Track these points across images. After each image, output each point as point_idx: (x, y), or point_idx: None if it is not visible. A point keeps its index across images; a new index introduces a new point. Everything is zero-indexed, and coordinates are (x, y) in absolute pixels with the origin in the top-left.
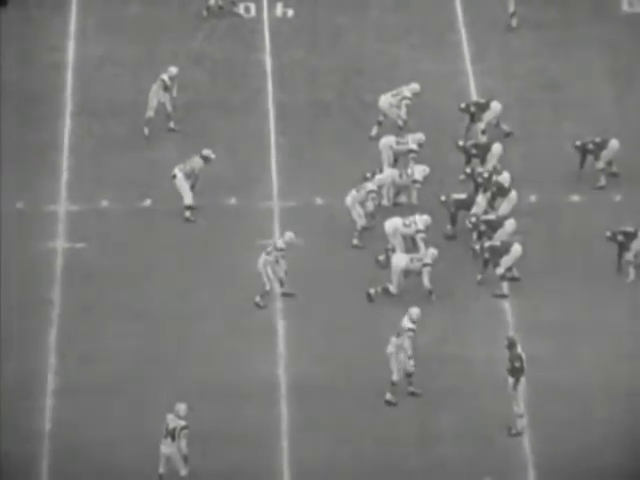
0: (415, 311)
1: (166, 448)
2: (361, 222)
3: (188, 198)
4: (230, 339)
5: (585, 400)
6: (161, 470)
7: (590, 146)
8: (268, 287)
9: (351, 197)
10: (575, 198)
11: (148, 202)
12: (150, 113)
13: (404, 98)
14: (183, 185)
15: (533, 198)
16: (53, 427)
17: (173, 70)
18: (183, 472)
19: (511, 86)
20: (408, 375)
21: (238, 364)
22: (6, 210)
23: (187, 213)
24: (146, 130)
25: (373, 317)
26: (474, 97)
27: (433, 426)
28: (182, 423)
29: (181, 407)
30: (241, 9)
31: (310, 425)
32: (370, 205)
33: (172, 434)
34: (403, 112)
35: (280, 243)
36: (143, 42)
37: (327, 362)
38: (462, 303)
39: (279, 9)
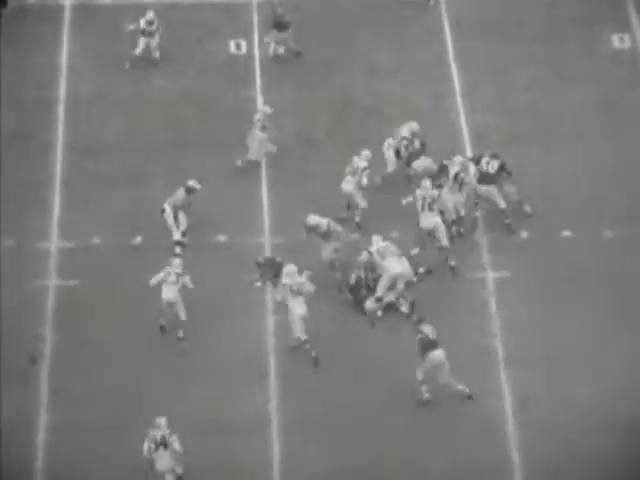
0: None
1: (161, 463)
2: (363, 204)
3: (177, 234)
4: (222, 375)
5: (577, 437)
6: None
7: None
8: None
9: (350, 183)
10: (566, 234)
11: (139, 239)
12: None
13: (403, 139)
14: (171, 220)
15: (524, 234)
16: (45, 464)
17: (268, 109)
18: (179, 470)
19: (502, 121)
20: None
21: (230, 400)
22: None
23: (177, 249)
24: (239, 162)
25: (365, 351)
26: (465, 132)
27: (423, 463)
28: (166, 431)
29: (161, 420)
30: (232, 47)
31: (302, 460)
32: (365, 180)
33: (163, 443)
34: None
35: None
36: (134, 79)
37: (318, 397)
38: (451, 339)
39: (271, 46)
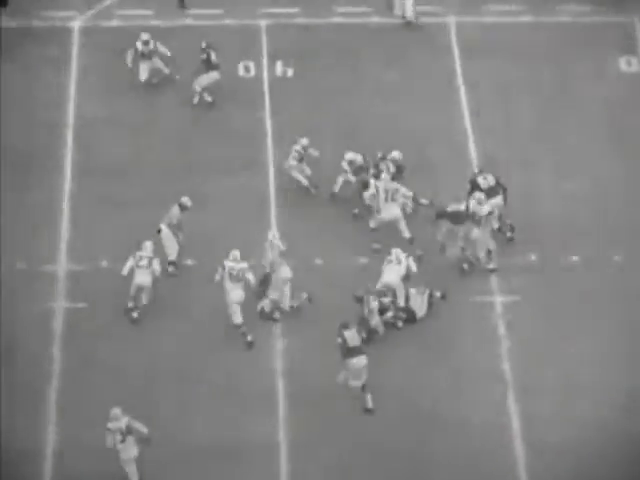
0: None
1: (128, 452)
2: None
3: (173, 254)
4: (229, 399)
5: (585, 459)
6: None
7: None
8: None
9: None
10: (575, 258)
11: (172, 268)
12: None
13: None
14: (169, 239)
15: (533, 257)
16: None
17: (304, 141)
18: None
19: (510, 145)
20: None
21: (238, 424)
22: (6, 270)
23: (170, 268)
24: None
25: (375, 377)
26: (473, 155)
27: None
28: (125, 419)
29: (116, 411)
30: (241, 70)
31: None
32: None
33: (129, 431)
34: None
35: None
36: (143, 101)
37: (326, 421)
38: (460, 362)
39: (279, 68)
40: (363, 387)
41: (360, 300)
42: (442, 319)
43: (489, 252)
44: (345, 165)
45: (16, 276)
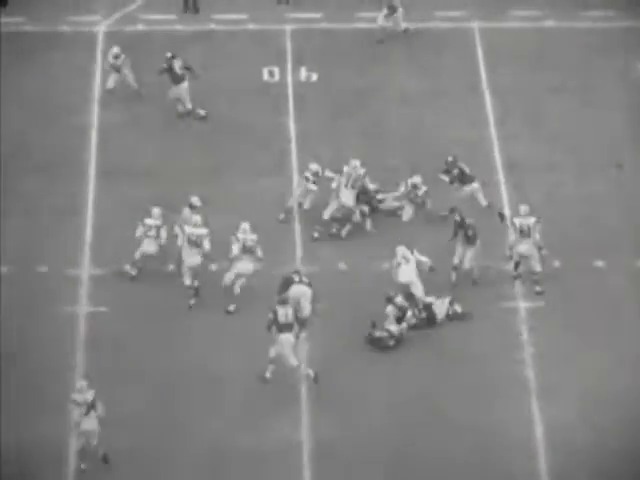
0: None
1: (91, 421)
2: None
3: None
4: (253, 401)
5: (608, 466)
6: (94, 443)
7: None
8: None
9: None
10: (599, 263)
11: (171, 266)
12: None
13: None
14: (181, 240)
15: (556, 263)
16: None
17: (314, 167)
18: (96, 440)
19: (535, 150)
20: None
21: (261, 427)
22: (28, 274)
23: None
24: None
25: (396, 380)
26: (498, 161)
27: None
28: (92, 392)
29: (82, 383)
30: (265, 74)
31: None
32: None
33: (93, 406)
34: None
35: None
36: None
37: (348, 424)
38: (483, 368)
39: (303, 73)
40: (315, 377)
41: (390, 300)
42: (465, 324)
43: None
44: (309, 175)
45: (39, 280)
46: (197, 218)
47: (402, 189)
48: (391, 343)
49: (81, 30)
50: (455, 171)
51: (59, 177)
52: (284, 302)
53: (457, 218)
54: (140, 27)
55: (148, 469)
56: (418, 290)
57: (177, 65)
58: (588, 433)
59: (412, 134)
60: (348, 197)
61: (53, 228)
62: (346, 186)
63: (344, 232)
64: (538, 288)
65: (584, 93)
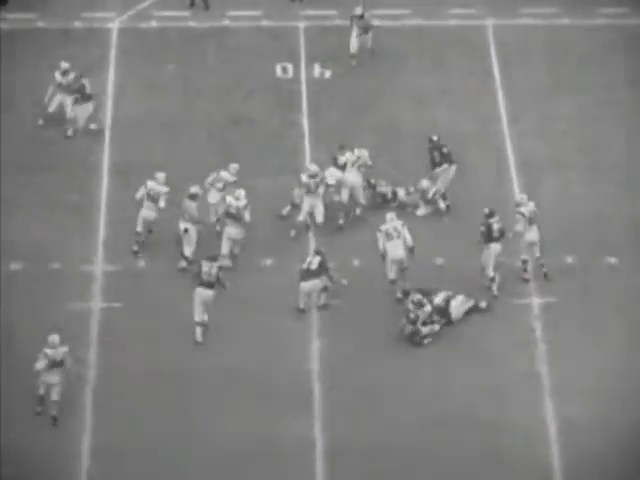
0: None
1: (55, 377)
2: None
3: (189, 250)
4: (266, 399)
5: (621, 464)
6: (42, 392)
7: None
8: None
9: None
10: (612, 260)
11: (184, 263)
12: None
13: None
14: (193, 238)
15: (569, 259)
16: None
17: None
18: (58, 395)
19: (547, 148)
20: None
21: (274, 424)
22: (42, 270)
23: (183, 263)
24: None
25: (411, 377)
26: (511, 159)
27: None
28: (64, 348)
29: (54, 337)
30: (278, 71)
31: None
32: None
33: (61, 363)
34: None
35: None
36: (180, 102)
37: (362, 421)
38: (496, 364)
39: (316, 70)
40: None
41: (407, 295)
42: (478, 320)
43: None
44: (304, 178)
45: (52, 276)
46: (160, 175)
47: (412, 190)
48: (425, 341)
49: (95, 26)
50: (435, 153)
51: (72, 174)
52: (319, 252)
53: (483, 229)
54: (154, 24)
55: (162, 467)
56: (404, 267)
57: (87, 84)
58: (601, 430)
59: (425, 131)
60: (356, 176)
61: (67, 224)
62: (352, 166)
63: (342, 221)
64: (545, 269)
65: (597, 91)
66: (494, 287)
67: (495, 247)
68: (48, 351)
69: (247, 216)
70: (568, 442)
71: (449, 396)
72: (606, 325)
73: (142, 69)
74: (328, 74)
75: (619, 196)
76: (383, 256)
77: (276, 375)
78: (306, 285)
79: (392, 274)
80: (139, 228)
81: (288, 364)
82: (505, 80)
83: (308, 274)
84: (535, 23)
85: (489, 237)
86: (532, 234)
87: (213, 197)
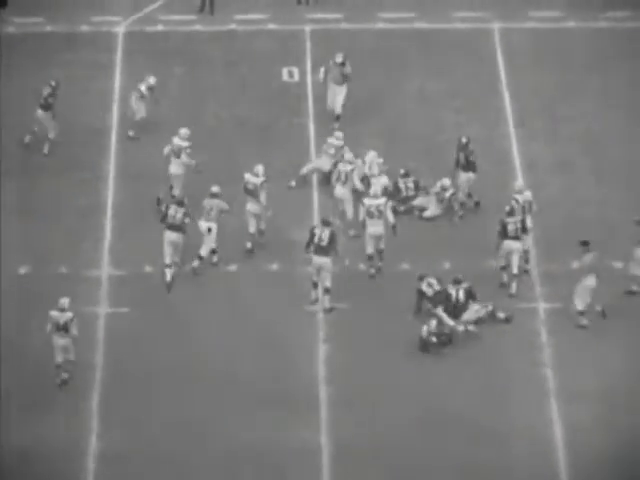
0: None
1: (61, 340)
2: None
3: (206, 250)
4: (272, 403)
5: (627, 468)
6: (59, 360)
7: None
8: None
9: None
10: (617, 264)
11: (197, 262)
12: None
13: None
14: (214, 237)
15: (575, 264)
16: None
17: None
18: (72, 356)
19: (553, 151)
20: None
21: (280, 429)
22: (49, 274)
23: (196, 262)
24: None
25: (416, 382)
26: (517, 161)
27: None
28: (70, 314)
29: (64, 301)
30: (285, 75)
31: None
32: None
33: (65, 327)
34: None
35: None
36: (187, 106)
37: (369, 427)
38: (502, 369)
39: (322, 74)
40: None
41: (422, 279)
42: (484, 325)
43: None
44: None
45: (58, 281)
46: (259, 167)
47: (433, 194)
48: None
49: (101, 30)
50: (461, 155)
51: (79, 178)
52: (327, 223)
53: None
54: (160, 27)
55: (167, 471)
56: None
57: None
58: (606, 433)
59: (431, 134)
60: (382, 178)
61: (73, 229)
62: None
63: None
64: (528, 266)
65: (603, 94)
66: (514, 286)
67: (509, 244)
68: (53, 313)
69: (263, 197)
70: (573, 445)
71: (455, 400)
72: (611, 329)
73: (148, 72)
74: (341, 54)
75: (625, 200)
76: (363, 227)
77: (282, 380)
78: (318, 260)
79: (370, 248)
80: (174, 191)
81: (294, 369)
82: (511, 83)
83: (320, 250)
84: (541, 26)
85: (504, 234)
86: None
87: (174, 168)
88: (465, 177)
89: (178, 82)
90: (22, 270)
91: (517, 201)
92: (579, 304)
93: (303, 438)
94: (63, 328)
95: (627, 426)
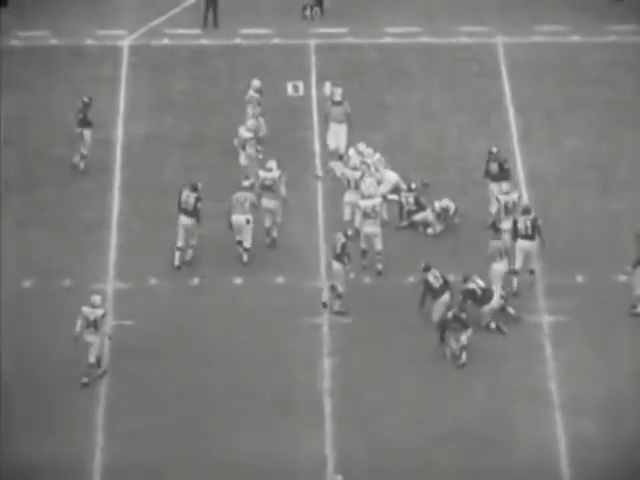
0: None
1: (91, 337)
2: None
3: (249, 241)
4: (277, 417)
5: None
6: (92, 360)
7: None
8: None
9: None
10: (623, 278)
11: (196, 280)
12: None
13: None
14: (251, 228)
15: (580, 278)
16: None
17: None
18: (101, 356)
19: (558, 165)
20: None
21: (285, 442)
22: (54, 287)
23: (245, 257)
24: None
25: (422, 395)
26: (521, 175)
27: None
28: (101, 311)
29: (96, 298)
30: (290, 89)
31: None
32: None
33: (94, 324)
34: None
35: None
36: (192, 119)
37: (374, 440)
38: (506, 381)
39: (327, 88)
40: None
41: (428, 270)
42: (489, 338)
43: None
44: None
45: (64, 294)
46: (272, 163)
47: (430, 212)
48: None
49: (106, 44)
50: (494, 165)
51: (84, 191)
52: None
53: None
54: (165, 41)
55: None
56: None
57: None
58: (612, 447)
59: (435, 149)
60: (392, 175)
61: (78, 242)
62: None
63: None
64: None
65: (608, 108)
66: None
67: (523, 244)
68: (85, 309)
69: (283, 189)
70: (578, 459)
71: (460, 413)
72: (616, 343)
73: (153, 86)
74: (339, 91)
75: (630, 213)
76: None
77: (288, 393)
78: (334, 265)
79: (364, 244)
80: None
81: (300, 382)
82: (516, 97)
83: (335, 256)
84: (546, 41)
85: (515, 234)
86: (506, 223)
87: (242, 160)
88: (496, 187)
89: (183, 96)
90: (26, 283)
91: (499, 201)
92: (497, 290)
93: (308, 451)
94: (93, 325)
95: (631, 440)
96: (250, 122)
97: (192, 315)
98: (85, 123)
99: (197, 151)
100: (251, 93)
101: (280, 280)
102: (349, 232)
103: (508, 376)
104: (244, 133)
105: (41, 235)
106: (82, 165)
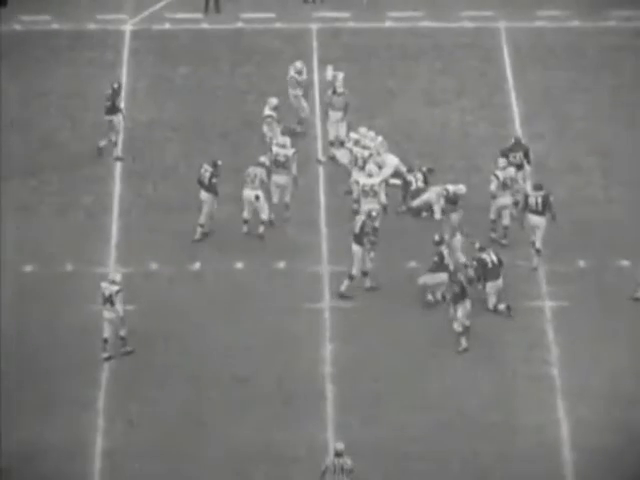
0: None
1: (108, 314)
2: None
3: (266, 213)
4: (278, 402)
5: (634, 466)
6: (106, 335)
7: None
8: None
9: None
10: (625, 263)
11: (197, 265)
12: None
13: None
14: (264, 202)
15: (582, 263)
16: None
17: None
18: (123, 332)
19: (560, 150)
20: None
21: (286, 427)
22: (55, 272)
23: (262, 228)
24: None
25: (423, 381)
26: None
27: None
28: (116, 288)
29: (114, 274)
30: (292, 73)
31: None
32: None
33: (110, 300)
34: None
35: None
36: (193, 105)
37: (375, 425)
38: (508, 367)
39: (329, 72)
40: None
41: (440, 243)
42: (490, 323)
43: None
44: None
45: (65, 278)
46: (285, 139)
47: (434, 193)
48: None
49: (108, 28)
50: (518, 155)
51: (86, 176)
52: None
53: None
54: (167, 26)
55: (174, 470)
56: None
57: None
58: (614, 432)
59: (438, 134)
60: (393, 158)
61: (79, 227)
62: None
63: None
64: (504, 241)
65: (611, 93)
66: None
67: (532, 218)
68: (103, 284)
69: (294, 167)
70: (581, 444)
71: (461, 399)
72: (618, 328)
73: (155, 71)
74: (341, 76)
75: (632, 199)
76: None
77: (288, 379)
78: (353, 247)
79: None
80: (275, 196)
81: (300, 368)
82: (518, 82)
83: (354, 237)
84: (548, 25)
85: (524, 209)
86: (504, 199)
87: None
88: (520, 174)
89: (184, 80)
90: (28, 268)
91: (497, 177)
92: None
93: (309, 437)
94: (109, 300)
95: (634, 425)
96: (272, 100)
97: (193, 300)
98: (114, 110)
99: (199, 137)
100: (291, 73)
101: (281, 265)
102: (373, 213)
103: (510, 361)
104: (268, 111)
105: (43, 220)
106: (117, 151)
